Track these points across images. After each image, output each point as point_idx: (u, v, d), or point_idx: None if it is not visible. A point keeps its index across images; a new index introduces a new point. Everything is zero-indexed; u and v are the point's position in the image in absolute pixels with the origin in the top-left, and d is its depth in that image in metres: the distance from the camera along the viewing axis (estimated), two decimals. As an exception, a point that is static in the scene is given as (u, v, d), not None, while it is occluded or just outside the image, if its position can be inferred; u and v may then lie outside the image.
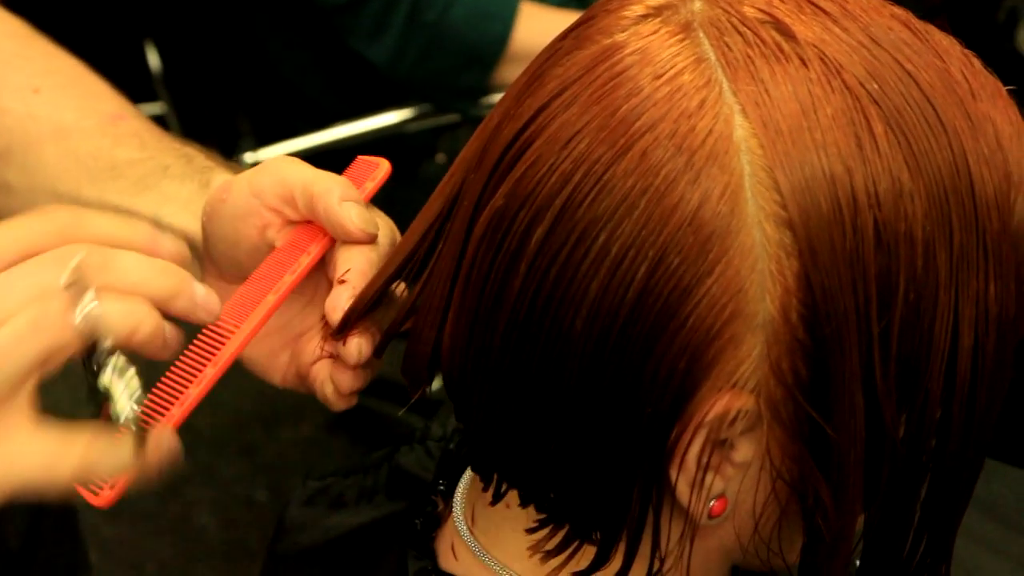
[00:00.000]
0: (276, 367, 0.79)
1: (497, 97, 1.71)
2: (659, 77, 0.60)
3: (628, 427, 0.61)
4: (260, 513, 2.10)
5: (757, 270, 0.58)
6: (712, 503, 0.63)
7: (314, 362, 0.76)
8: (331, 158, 1.74)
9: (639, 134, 0.59)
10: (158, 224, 0.79)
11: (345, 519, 0.82)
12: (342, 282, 0.72)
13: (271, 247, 0.76)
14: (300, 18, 1.71)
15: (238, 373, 0.76)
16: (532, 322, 0.61)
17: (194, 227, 0.81)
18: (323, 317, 0.74)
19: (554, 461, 0.64)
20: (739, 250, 0.58)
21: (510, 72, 1.68)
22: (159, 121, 1.77)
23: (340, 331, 0.72)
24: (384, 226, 0.75)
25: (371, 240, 0.73)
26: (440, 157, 1.81)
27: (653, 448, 0.61)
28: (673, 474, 0.62)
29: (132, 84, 1.81)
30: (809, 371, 0.59)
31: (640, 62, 0.61)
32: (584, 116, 0.60)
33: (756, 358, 0.59)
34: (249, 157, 1.72)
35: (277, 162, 0.76)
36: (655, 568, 0.65)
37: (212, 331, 0.72)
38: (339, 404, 0.75)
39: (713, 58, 0.60)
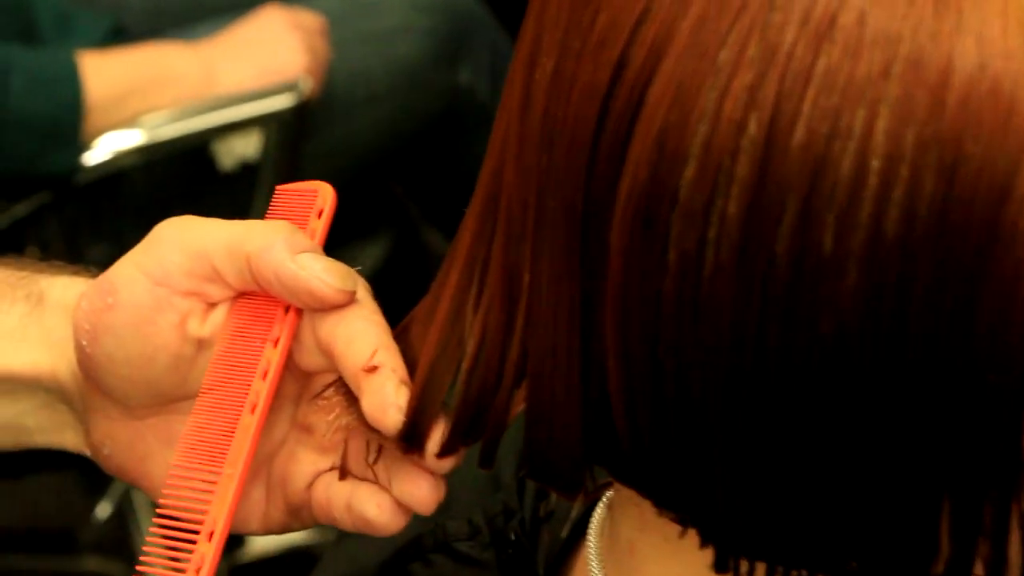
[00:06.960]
0: (252, 512, 0.60)
1: (91, 156, 1.55)
2: None
3: (962, 421, 0.44)
4: None
5: None
6: None
7: (311, 484, 0.59)
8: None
9: None
10: None
11: None
12: (372, 368, 0.54)
13: (198, 345, 0.58)
14: None
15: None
16: (793, 321, 0.43)
17: (38, 364, 0.61)
18: (302, 425, 0.59)
19: (858, 516, 0.46)
20: None
21: (100, 122, 1.53)
22: None
23: (412, 439, 0.54)
24: (357, 278, 0.58)
25: (351, 300, 0.56)
26: (32, 251, 1.63)
27: (1005, 436, 0.44)
28: None
29: None
30: None
31: None
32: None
33: None
34: None
35: (172, 229, 0.58)
36: None
37: (179, 488, 0.57)
38: (396, 523, 0.57)
39: None
